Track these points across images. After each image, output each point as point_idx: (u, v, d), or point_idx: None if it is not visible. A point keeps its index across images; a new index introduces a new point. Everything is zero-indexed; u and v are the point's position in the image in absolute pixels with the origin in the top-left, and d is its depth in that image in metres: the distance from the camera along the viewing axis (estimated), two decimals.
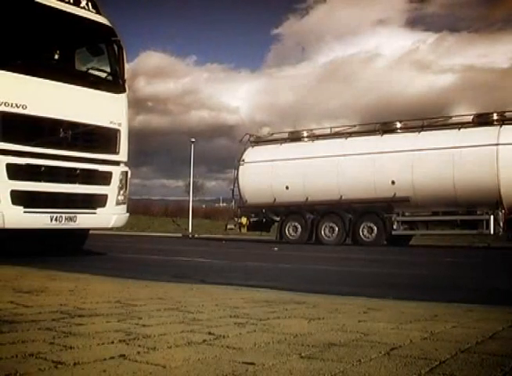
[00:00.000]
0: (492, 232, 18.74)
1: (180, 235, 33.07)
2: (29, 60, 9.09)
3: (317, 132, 23.39)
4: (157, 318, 3.15)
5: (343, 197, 20.68)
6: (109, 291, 4.51)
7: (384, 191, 19.87)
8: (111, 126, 9.74)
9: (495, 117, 19.55)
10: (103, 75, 10.17)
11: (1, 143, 8.20)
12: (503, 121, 19.26)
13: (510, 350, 2.42)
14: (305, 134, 23.18)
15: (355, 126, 23.21)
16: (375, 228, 20.25)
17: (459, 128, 19.80)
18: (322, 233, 21.06)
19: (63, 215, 8.96)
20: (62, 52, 10.02)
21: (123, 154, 10.03)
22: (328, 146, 21.63)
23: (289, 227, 21.74)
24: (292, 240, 21.33)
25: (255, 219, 23.18)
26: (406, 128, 21.34)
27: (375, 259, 12.68)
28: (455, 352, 2.35)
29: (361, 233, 20.46)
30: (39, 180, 8.69)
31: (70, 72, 9.99)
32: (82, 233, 10.87)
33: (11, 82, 8.46)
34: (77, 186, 9.26)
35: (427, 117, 21.84)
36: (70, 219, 9.06)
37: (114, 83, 10.11)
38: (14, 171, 8.31)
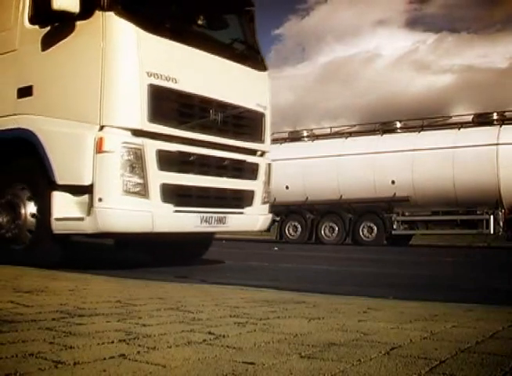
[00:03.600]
0: (491, 231, 18.78)
1: None
2: (178, 24, 7.64)
3: (317, 132, 23.43)
4: (157, 318, 3.15)
5: (343, 197, 20.71)
6: (110, 291, 4.51)
7: (384, 191, 19.90)
8: (258, 109, 8.29)
9: (494, 116, 19.59)
10: (242, 49, 8.68)
11: (151, 125, 6.68)
12: (503, 120, 19.31)
13: (510, 350, 2.42)
14: (305, 134, 23.22)
15: (354, 126, 23.26)
16: (375, 228, 20.28)
17: (459, 128, 19.84)
18: (322, 232, 21.10)
19: (214, 216, 7.49)
20: (206, 18, 8.42)
21: (267, 143, 8.60)
22: (328, 146, 21.66)
23: (289, 227, 21.78)
24: (292, 239, 21.36)
25: None
26: (406, 128, 21.38)
27: (375, 259, 12.68)
28: (455, 351, 2.35)
29: (361, 233, 20.50)
30: (189, 172, 7.18)
31: (217, 42, 8.32)
32: (209, 239, 9.25)
33: (160, 49, 6.99)
34: (226, 179, 7.76)
35: (427, 117, 21.88)
36: (220, 221, 7.61)
37: (256, 59, 8.62)
38: (165, 160, 6.78)
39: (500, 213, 18.65)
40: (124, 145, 6.43)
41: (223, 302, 3.93)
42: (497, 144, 18.38)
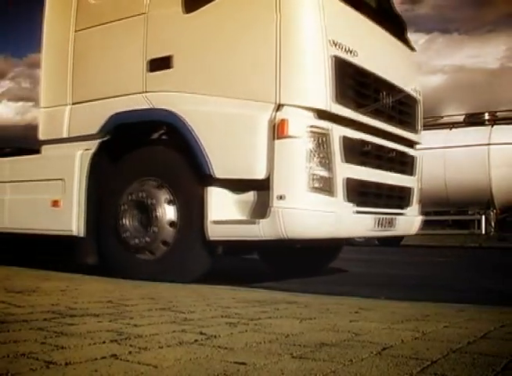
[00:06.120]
0: (483, 232, 18.87)
1: None
2: None
3: None
4: (149, 318, 3.15)
5: None
6: (101, 291, 4.50)
7: None
8: (414, 95, 7.08)
9: (486, 117, 19.71)
10: (397, 25, 7.20)
11: (337, 106, 5.35)
12: (495, 120, 19.42)
13: (501, 350, 2.43)
14: None
15: None
16: None
17: (451, 128, 19.90)
18: None
19: (386, 218, 6.22)
20: None
21: (421, 134, 7.41)
22: None
23: None
24: None
25: None
26: None
27: (366, 259, 12.69)
28: (446, 352, 2.36)
29: None
30: (367, 165, 5.88)
31: (383, 15, 6.86)
32: (341, 244, 8.05)
33: (340, 15, 5.69)
34: (393, 175, 6.47)
35: None
36: (390, 223, 6.33)
37: (405, 37, 7.28)
38: (348, 150, 5.47)
39: (492, 213, 18.74)
40: (311, 129, 5.13)
41: (215, 302, 3.93)
42: (489, 144, 18.45)
